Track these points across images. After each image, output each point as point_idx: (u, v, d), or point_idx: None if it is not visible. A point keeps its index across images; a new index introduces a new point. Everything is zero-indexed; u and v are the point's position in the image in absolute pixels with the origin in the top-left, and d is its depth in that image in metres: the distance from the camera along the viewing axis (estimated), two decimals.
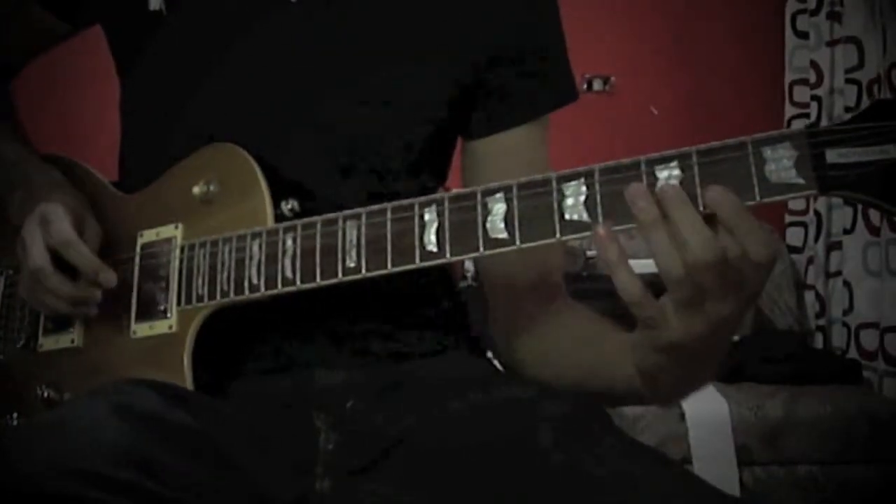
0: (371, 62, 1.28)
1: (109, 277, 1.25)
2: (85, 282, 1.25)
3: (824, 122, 3.54)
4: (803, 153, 0.95)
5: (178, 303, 1.23)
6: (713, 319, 0.99)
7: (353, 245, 1.13)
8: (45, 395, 1.30)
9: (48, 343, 1.34)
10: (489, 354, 1.38)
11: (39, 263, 1.24)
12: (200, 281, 1.21)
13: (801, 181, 0.95)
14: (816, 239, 3.74)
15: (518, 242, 1.05)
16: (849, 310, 3.58)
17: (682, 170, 0.99)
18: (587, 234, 1.03)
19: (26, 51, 1.50)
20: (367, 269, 1.12)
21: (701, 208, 0.97)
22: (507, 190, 1.07)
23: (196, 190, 1.25)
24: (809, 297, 3.80)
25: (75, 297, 1.25)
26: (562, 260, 1.38)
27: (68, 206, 1.27)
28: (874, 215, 3.47)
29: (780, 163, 0.96)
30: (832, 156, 0.94)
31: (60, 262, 1.25)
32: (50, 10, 1.40)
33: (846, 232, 3.59)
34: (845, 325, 3.61)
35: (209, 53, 1.29)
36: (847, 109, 3.59)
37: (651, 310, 1.01)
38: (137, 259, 1.28)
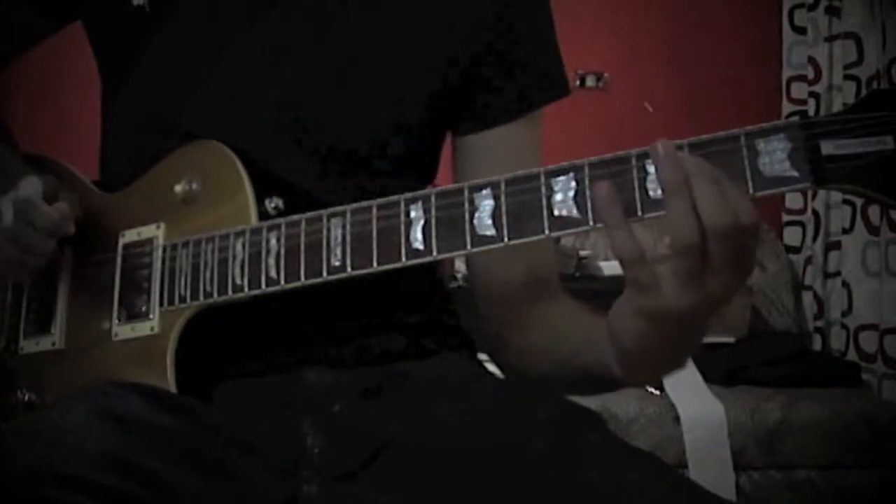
0: (357, 61, 1.27)
1: (68, 228, 1.24)
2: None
3: None
4: (797, 145, 0.94)
5: (161, 304, 1.21)
6: (708, 292, 0.98)
7: (337, 243, 1.11)
8: (26, 398, 1.28)
9: (29, 346, 1.32)
10: (480, 356, 1.37)
11: (11, 222, 1.22)
12: (183, 281, 1.20)
13: (796, 174, 0.94)
14: (815, 239, 3.73)
15: (506, 239, 1.04)
16: (848, 311, 3.57)
17: None
18: (576, 230, 1.02)
19: (8, 51, 1.48)
20: (353, 268, 1.11)
21: None
22: (494, 186, 1.05)
23: (178, 189, 1.23)
24: (807, 297, 3.79)
25: (41, 246, 1.24)
26: (553, 257, 1.36)
27: (43, 180, 1.26)
28: (873, 215, 3.45)
29: (774, 155, 0.94)
30: (828, 147, 0.93)
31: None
32: (34, 8, 1.38)
33: (845, 231, 3.58)
34: (844, 326, 3.59)
35: (192, 50, 1.28)
36: (846, 106, 3.56)
37: (646, 273, 0.99)
38: (119, 260, 1.26)
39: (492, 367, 1.37)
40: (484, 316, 1.36)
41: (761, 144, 0.95)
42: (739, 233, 0.94)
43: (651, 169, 0.98)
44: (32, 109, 3.59)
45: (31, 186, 1.23)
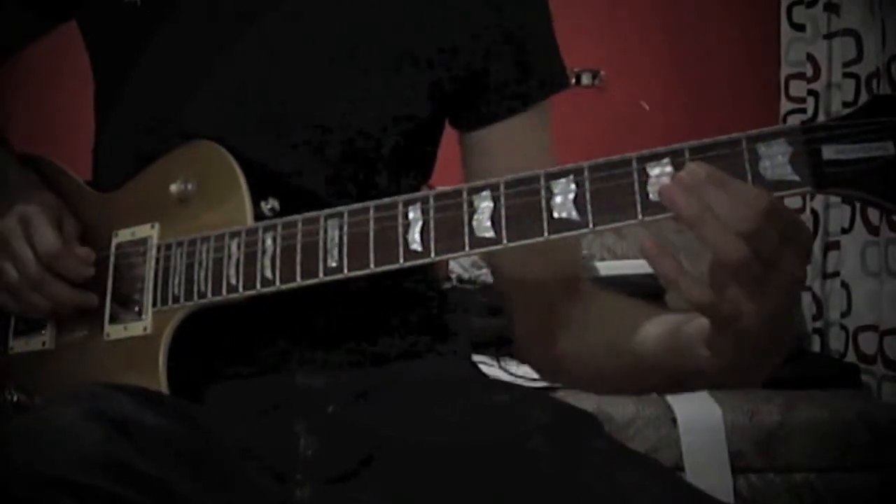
0: (356, 60, 1.26)
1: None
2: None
3: (821, 118, 3.52)
4: (799, 149, 0.93)
5: (154, 304, 1.20)
6: (782, 287, 0.95)
7: (334, 244, 1.11)
8: (16, 399, 1.27)
9: (19, 345, 1.32)
10: (476, 357, 1.36)
11: (36, 271, 1.23)
12: (176, 281, 1.19)
13: (797, 178, 0.93)
14: (813, 238, 3.71)
15: (505, 241, 1.03)
16: (847, 312, 3.55)
17: (675, 167, 0.96)
18: (576, 232, 1.01)
19: (2, 50, 1.47)
20: (349, 269, 1.10)
21: None
22: (493, 188, 1.05)
23: (173, 188, 1.22)
24: (806, 298, 3.77)
25: (64, 298, 1.24)
26: (580, 255, 1.35)
27: (47, 207, 1.25)
28: (873, 214, 3.44)
29: (775, 159, 0.94)
30: (829, 152, 0.92)
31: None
32: (30, 7, 1.38)
33: (844, 231, 3.57)
34: (843, 327, 3.58)
35: (191, 50, 1.27)
36: (845, 104, 3.56)
37: (726, 306, 0.96)
38: (112, 259, 1.25)
39: (487, 370, 1.36)
40: (520, 321, 1.35)
41: (762, 149, 0.94)
42: (769, 219, 0.92)
43: (652, 171, 0.97)
44: (32, 109, 3.58)
45: (43, 225, 1.24)
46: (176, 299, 1.19)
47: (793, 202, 3.78)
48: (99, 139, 1.37)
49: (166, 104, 1.27)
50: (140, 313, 1.21)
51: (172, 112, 1.26)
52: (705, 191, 0.92)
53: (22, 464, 0.94)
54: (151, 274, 1.21)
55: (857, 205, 3.47)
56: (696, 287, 0.95)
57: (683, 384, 1.22)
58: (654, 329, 1.17)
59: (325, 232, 1.11)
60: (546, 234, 1.02)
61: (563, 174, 1.01)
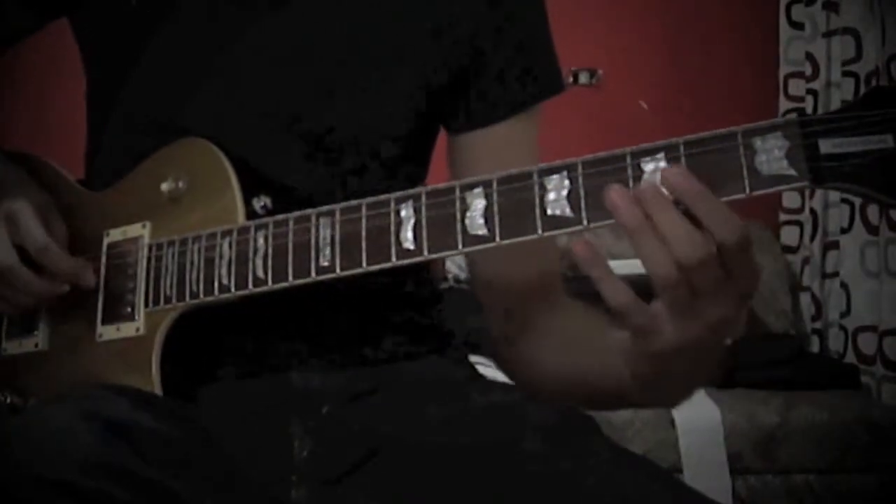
0: (353, 61, 1.26)
1: (89, 278, 1.23)
2: (49, 277, 1.23)
3: None
4: (795, 143, 0.92)
5: (146, 304, 1.19)
6: (709, 321, 0.96)
7: (326, 243, 1.10)
8: (9, 401, 1.27)
9: (11, 347, 1.31)
10: (473, 358, 1.35)
11: (8, 262, 1.21)
12: (169, 281, 1.18)
13: (794, 173, 0.92)
14: (812, 238, 3.72)
15: (498, 239, 1.02)
16: (846, 312, 3.55)
17: (669, 162, 0.96)
18: (570, 230, 1.00)
19: None
20: (342, 268, 1.09)
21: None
22: (486, 184, 1.03)
23: (165, 187, 1.22)
24: (805, 299, 3.78)
25: (46, 293, 1.23)
26: (557, 260, 1.35)
27: (34, 205, 1.24)
28: (872, 214, 3.44)
29: (772, 153, 0.92)
30: (826, 146, 0.91)
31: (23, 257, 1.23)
32: (24, 4, 1.36)
33: (843, 231, 3.57)
34: (842, 328, 3.58)
35: (191, 50, 1.27)
36: (844, 103, 3.54)
37: (642, 317, 0.98)
38: (103, 259, 1.24)
39: (484, 370, 1.35)
40: (491, 320, 1.35)
41: (758, 143, 0.93)
42: (715, 259, 0.93)
43: (646, 167, 0.96)
44: (32, 109, 3.58)
45: (28, 217, 1.22)
46: (168, 300, 1.18)
47: (791, 202, 3.79)
48: (95, 139, 1.36)
49: (164, 104, 1.26)
50: (132, 314, 1.20)
51: (171, 111, 1.25)
52: (657, 214, 0.93)
53: (19, 465, 0.94)
54: (143, 274, 1.20)
55: (857, 205, 3.47)
56: (618, 288, 0.97)
57: (613, 402, 1.22)
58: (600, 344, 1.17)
59: (317, 230, 1.10)
60: (540, 231, 1.01)
61: (556, 170, 1.00)
